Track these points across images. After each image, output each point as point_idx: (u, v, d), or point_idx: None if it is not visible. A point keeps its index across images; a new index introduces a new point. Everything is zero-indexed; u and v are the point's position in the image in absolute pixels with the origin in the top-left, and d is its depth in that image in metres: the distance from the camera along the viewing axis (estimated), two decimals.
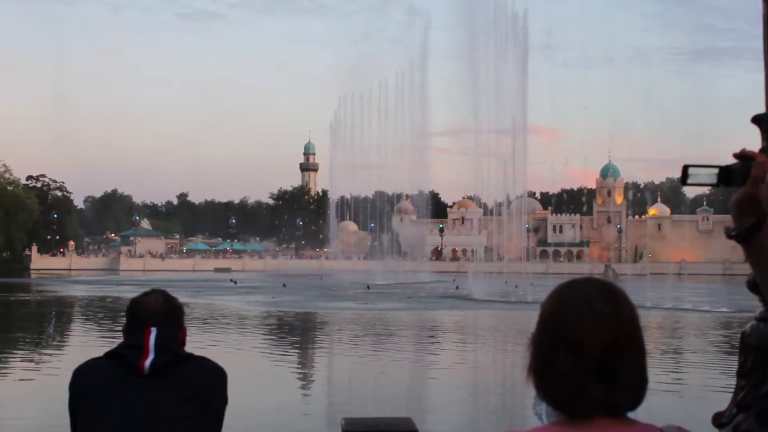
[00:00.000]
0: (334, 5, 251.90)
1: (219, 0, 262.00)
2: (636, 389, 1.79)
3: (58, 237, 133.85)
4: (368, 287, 67.94)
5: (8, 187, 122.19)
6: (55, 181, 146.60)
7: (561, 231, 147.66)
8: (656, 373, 21.68)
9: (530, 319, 1.93)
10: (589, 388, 1.74)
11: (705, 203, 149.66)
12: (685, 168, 1.90)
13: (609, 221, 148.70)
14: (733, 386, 3.13)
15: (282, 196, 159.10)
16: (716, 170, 1.88)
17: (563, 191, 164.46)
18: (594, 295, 1.81)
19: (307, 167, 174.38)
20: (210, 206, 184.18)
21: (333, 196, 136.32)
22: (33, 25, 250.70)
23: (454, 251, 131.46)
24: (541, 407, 2.87)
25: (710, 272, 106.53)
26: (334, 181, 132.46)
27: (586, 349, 1.74)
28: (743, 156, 1.88)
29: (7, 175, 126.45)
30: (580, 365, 1.74)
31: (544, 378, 1.80)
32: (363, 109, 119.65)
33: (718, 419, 3.16)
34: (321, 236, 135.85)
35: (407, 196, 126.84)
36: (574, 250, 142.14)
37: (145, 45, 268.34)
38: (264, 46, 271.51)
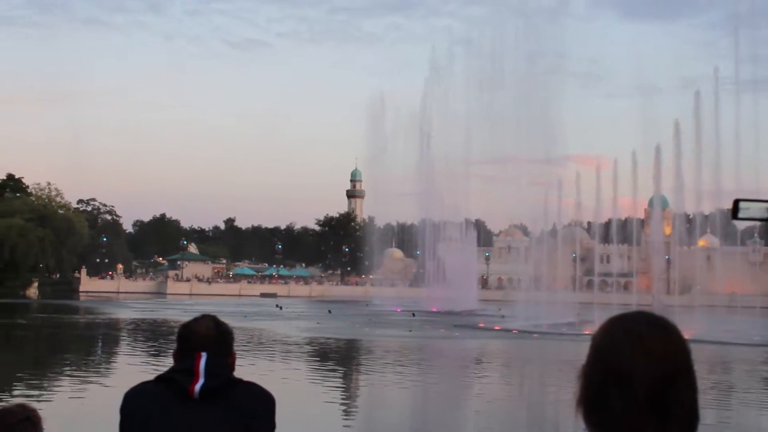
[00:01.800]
0: (381, 34, 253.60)
1: (267, 29, 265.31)
2: (687, 425, 1.76)
3: (107, 260, 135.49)
4: (413, 315, 67.72)
5: (59, 211, 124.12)
6: (105, 205, 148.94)
7: (608, 261, 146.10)
8: (707, 408, 21.30)
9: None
10: (639, 423, 1.72)
11: (756, 235, 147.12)
12: (736, 202, 1.89)
13: (657, 252, 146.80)
14: None
15: (328, 223, 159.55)
16: (767, 205, 1.87)
17: (611, 221, 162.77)
18: (644, 328, 1.79)
19: (353, 194, 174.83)
20: (257, 232, 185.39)
21: (379, 223, 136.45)
22: (85, 52, 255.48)
23: (500, 279, 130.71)
24: None
25: (762, 305, 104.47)
26: (379, 208, 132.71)
27: (636, 384, 1.72)
28: None
29: (58, 199, 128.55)
30: (630, 400, 1.72)
31: (593, 411, 1.78)
32: (407, 135, 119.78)
33: None
34: (366, 263, 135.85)
35: (453, 224, 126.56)
36: (622, 280, 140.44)
37: (194, 72, 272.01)
38: (311, 74, 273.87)
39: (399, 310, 76.32)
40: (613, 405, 1.73)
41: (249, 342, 38.88)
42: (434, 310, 78.47)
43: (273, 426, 3.33)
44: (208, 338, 3.32)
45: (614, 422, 1.74)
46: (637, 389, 1.72)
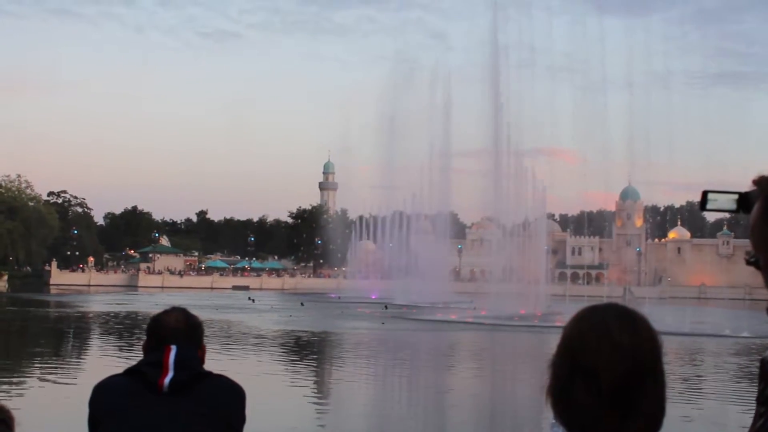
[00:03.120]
0: (353, 26, 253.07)
1: (238, 20, 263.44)
2: (652, 419, 1.75)
3: (77, 253, 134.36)
4: (386, 307, 67.81)
5: (29, 203, 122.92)
6: (75, 198, 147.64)
7: (580, 253, 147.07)
8: (675, 401, 21.51)
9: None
10: (603, 416, 1.72)
11: (725, 227, 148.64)
12: (705, 193, 1.89)
13: (628, 244, 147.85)
14: (753, 413, 3.11)
15: (301, 215, 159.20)
16: (736, 196, 1.88)
17: (583, 213, 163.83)
18: (613, 322, 1.79)
19: (326, 186, 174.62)
20: (229, 224, 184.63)
21: (351, 215, 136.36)
22: (55, 42, 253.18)
23: (472, 272, 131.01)
24: (558, 430, 2.88)
25: (730, 297, 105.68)
26: (352, 200, 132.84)
27: (602, 377, 1.72)
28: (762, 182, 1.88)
29: (28, 191, 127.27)
30: (595, 393, 1.72)
31: (560, 403, 1.79)
32: (381, 129, 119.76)
33: None
34: (339, 255, 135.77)
35: (426, 216, 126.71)
36: (593, 272, 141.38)
37: (166, 64, 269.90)
38: (283, 66, 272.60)
39: (374, 297, 76.49)
40: (578, 397, 1.74)
41: (220, 335, 38.77)
42: (405, 303, 78.54)
43: (243, 419, 3.32)
44: (177, 331, 3.30)
45: (580, 414, 1.74)
46: (603, 382, 1.72)
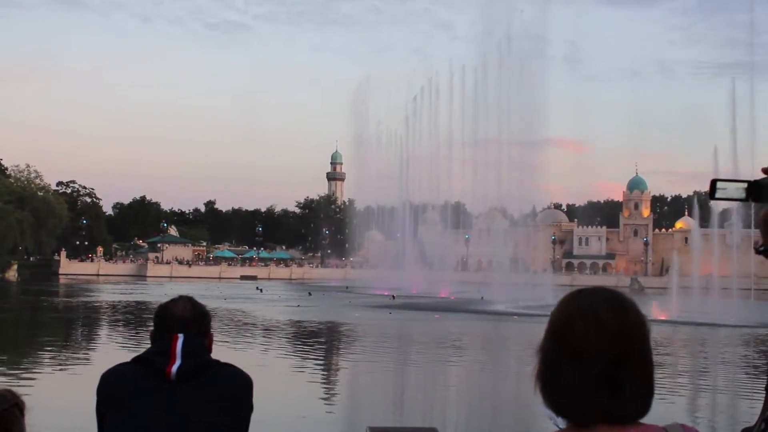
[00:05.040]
0: (359, 17, 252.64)
1: (245, 11, 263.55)
2: (641, 400, 1.77)
3: (86, 243, 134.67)
4: (393, 297, 67.88)
5: (38, 193, 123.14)
6: (84, 188, 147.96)
7: (587, 243, 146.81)
8: (684, 387, 21.50)
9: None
10: (592, 398, 1.73)
11: (733, 217, 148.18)
12: (714, 182, 1.89)
13: (635, 234, 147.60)
14: (762, 401, 3.10)
15: (308, 205, 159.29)
16: (744, 185, 1.87)
17: (590, 203, 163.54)
18: (600, 305, 1.80)
19: (333, 176, 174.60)
20: (237, 214, 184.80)
21: (359, 206, 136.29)
22: (63, 32, 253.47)
23: (479, 262, 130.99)
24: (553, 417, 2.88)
25: (739, 287, 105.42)
26: (360, 191, 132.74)
27: (589, 360, 1.74)
28: None
29: (37, 181, 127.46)
30: (583, 375, 1.74)
31: (549, 387, 1.80)
32: (388, 119, 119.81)
33: None
34: (347, 245, 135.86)
35: (433, 207, 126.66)
36: (600, 262, 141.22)
37: (174, 54, 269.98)
38: (290, 57, 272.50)
39: (386, 293, 76.50)
40: (566, 380, 1.75)
41: (228, 324, 38.87)
42: (414, 292, 78.60)
43: (251, 407, 3.32)
44: (185, 319, 3.31)
45: (569, 397, 1.75)
46: (590, 366, 1.73)
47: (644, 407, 1.78)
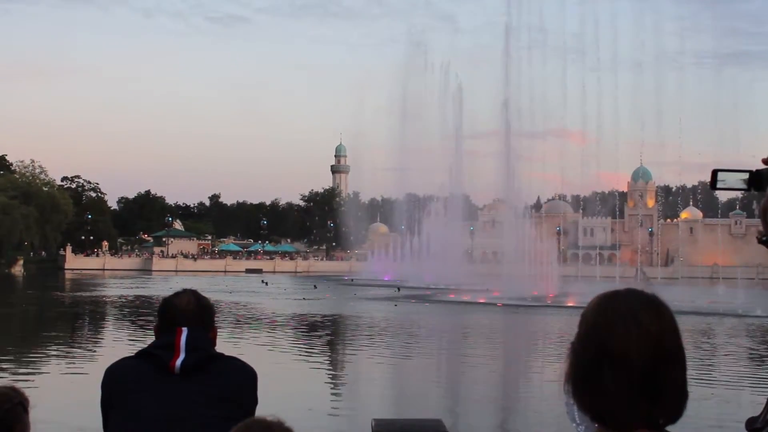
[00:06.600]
0: (361, 9, 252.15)
1: (247, 4, 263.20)
2: (678, 403, 1.78)
3: (92, 237, 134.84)
4: (398, 289, 67.88)
5: (44, 188, 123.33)
6: (89, 182, 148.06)
7: (592, 234, 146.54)
8: (690, 377, 21.48)
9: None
10: (634, 402, 1.73)
11: (738, 207, 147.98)
12: (715, 172, 1.88)
13: (641, 225, 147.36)
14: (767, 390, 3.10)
15: (313, 198, 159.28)
16: (746, 175, 1.87)
17: (594, 194, 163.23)
18: (639, 308, 1.79)
19: (338, 169, 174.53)
20: (242, 207, 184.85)
21: (363, 198, 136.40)
22: (66, 28, 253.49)
23: (484, 253, 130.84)
24: (573, 411, 2.87)
25: (743, 276, 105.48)
26: (364, 183, 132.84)
27: (632, 363, 1.73)
28: None
29: (42, 176, 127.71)
30: (625, 379, 1.73)
31: (585, 390, 1.78)
32: (393, 112, 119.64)
33: (752, 424, 3.12)
34: (351, 238, 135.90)
35: (438, 199, 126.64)
36: (605, 253, 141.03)
37: (177, 48, 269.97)
38: (293, 50, 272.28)
39: (387, 278, 76.68)
40: (606, 385, 1.74)
41: (233, 317, 38.92)
42: (419, 284, 78.58)
43: (255, 401, 3.32)
44: (188, 313, 3.31)
45: (607, 402, 1.74)
46: (633, 369, 1.72)
47: (680, 411, 1.79)
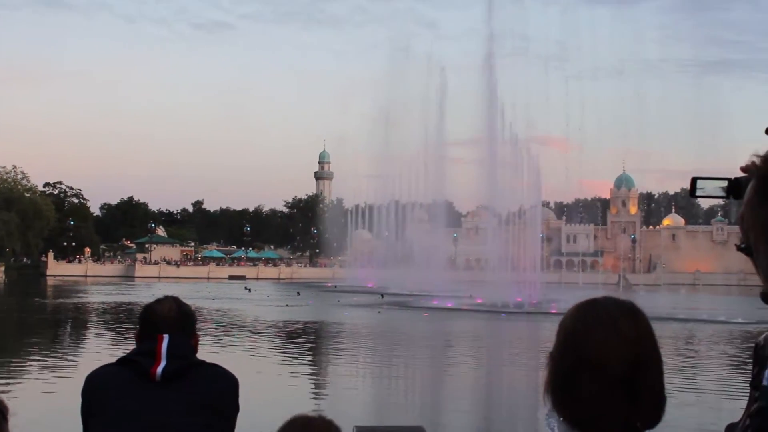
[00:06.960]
0: (345, 16, 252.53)
1: (230, 10, 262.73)
2: (657, 407, 1.79)
3: (74, 243, 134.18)
4: (382, 296, 67.84)
5: (25, 194, 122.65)
6: (71, 188, 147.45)
7: (575, 241, 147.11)
8: (670, 384, 21.56)
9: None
10: (613, 408, 1.74)
11: (720, 214, 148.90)
12: (694, 180, 1.89)
13: (623, 231, 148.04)
14: (747, 397, 3.11)
15: (296, 204, 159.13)
16: (725, 183, 1.88)
17: (577, 201, 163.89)
18: (616, 314, 1.81)
19: (321, 176, 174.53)
20: (225, 214, 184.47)
21: (347, 205, 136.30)
22: (49, 33, 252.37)
23: (467, 260, 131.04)
24: (553, 420, 2.88)
25: (725, 283, 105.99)
26: (347, 190, 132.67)
27: (610, 370, 1.74)
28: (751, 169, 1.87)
29: (24, 182, 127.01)
30: (603, 385, 1.74)
31: (565, 398, 1.79)
32: (376, 119, 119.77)
33: (731, 430, 3.13)
34: (335, 244, 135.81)
35: (421, 205, 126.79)
36: (588, 260, 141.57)
37: (159, 54, 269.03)
38: (276, 56, 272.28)
39: (371, 285, 76.55)
40: (585, 391, 1.75)
41: (216, 324, 38.79)
42: (402, 291, 78.53)
43: (236, 408, 3.32)
44: (170, 320, 3.30)
45: (586, 408, 1.75)
46: (611, 375, 1.74)
47: (659, 415, 1.80)
